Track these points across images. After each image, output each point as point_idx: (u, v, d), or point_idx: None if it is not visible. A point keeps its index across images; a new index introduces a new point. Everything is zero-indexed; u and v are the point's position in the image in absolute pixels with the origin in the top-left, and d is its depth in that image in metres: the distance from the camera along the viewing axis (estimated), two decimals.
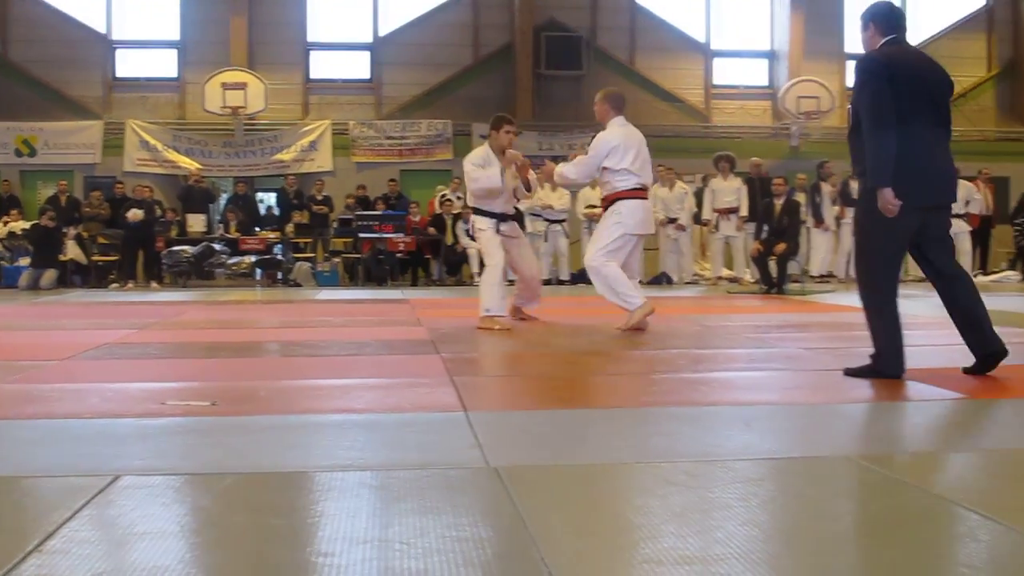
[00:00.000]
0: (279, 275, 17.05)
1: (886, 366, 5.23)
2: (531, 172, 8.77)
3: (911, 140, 5.08)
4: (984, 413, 4.49)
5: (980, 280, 16.53)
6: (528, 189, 8.69)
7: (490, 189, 8.39)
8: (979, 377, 5.27)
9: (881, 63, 5.17)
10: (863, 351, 6.73)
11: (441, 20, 20.94)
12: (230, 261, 16.93)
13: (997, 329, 5.29)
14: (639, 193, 8.13)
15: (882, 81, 5.09)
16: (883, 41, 5.32)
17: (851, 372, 5.36)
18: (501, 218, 8.56)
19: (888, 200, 5.04)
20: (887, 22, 5.35)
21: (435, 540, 2.53)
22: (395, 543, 2.51)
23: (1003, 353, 5.27)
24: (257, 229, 17.80)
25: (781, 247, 13.52)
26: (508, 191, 8.50)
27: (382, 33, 20.91)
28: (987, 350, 5.25)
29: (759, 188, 15.70)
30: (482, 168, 8.42)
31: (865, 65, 5.22)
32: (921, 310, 10.35)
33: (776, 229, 13.72)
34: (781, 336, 7.90)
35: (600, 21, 21.29)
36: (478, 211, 8.63)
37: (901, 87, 5.11)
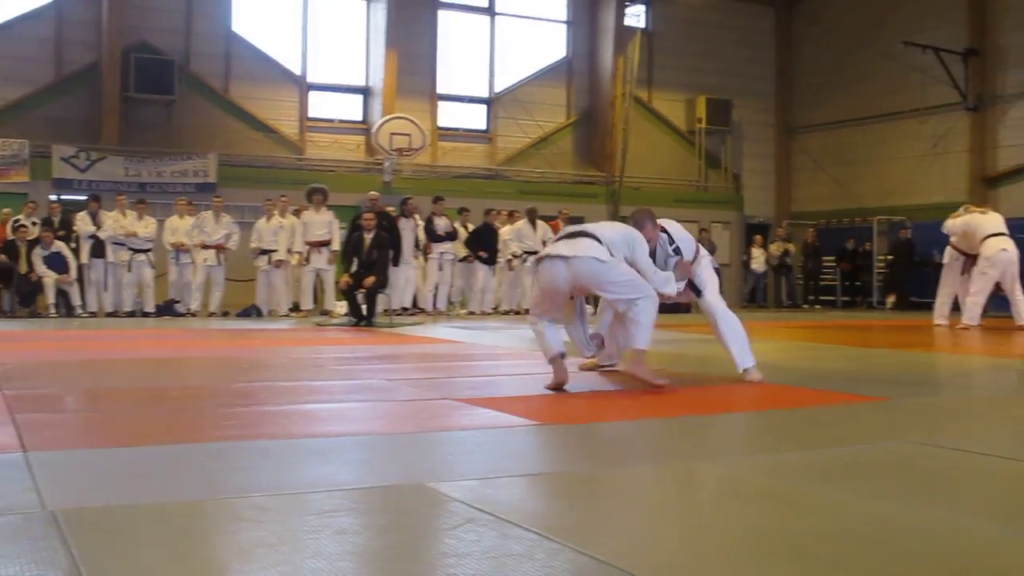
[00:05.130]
0: None
1: None
2: None
3: None
4: (548, 438, 4.75)
5: None
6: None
7: None
8: (547, 405, 5.57)
9: None
10: (447, 381, 6.99)
11: (20, 33, 19.61)
12: None
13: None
14: None
15: None
16: None
17: None
18: None
19: None
20: None
21: None
22: None
23: None
24: None
25: (370, 280, 13.76)
26: None
27: None
28: None
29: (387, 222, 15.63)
30: None
31: None
32: (502, 341, 10.88)
33: (365, 262, 13.96)
34: (367, 368, 8.01)
35: (194, 47, 20.81)
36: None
37: None
